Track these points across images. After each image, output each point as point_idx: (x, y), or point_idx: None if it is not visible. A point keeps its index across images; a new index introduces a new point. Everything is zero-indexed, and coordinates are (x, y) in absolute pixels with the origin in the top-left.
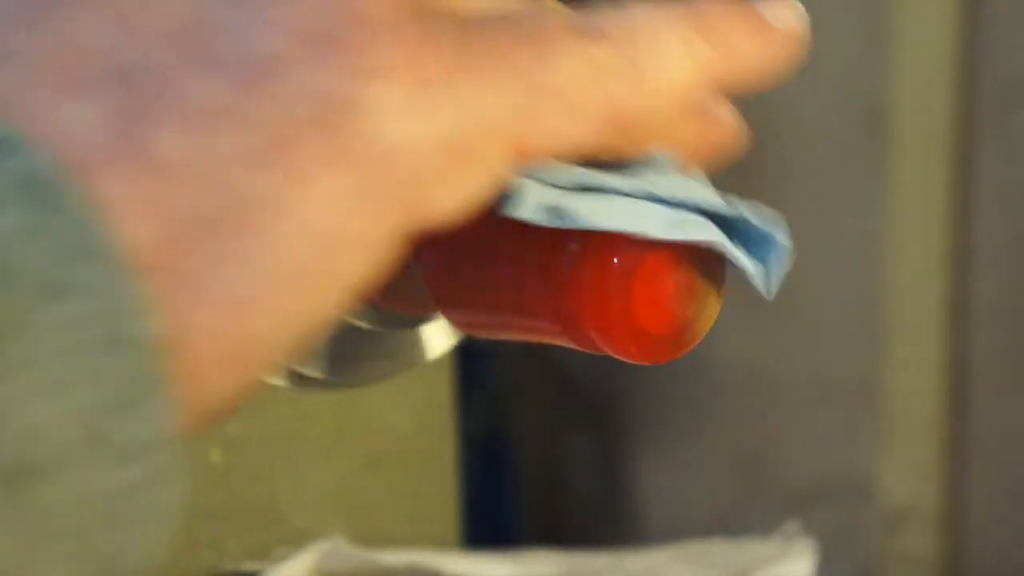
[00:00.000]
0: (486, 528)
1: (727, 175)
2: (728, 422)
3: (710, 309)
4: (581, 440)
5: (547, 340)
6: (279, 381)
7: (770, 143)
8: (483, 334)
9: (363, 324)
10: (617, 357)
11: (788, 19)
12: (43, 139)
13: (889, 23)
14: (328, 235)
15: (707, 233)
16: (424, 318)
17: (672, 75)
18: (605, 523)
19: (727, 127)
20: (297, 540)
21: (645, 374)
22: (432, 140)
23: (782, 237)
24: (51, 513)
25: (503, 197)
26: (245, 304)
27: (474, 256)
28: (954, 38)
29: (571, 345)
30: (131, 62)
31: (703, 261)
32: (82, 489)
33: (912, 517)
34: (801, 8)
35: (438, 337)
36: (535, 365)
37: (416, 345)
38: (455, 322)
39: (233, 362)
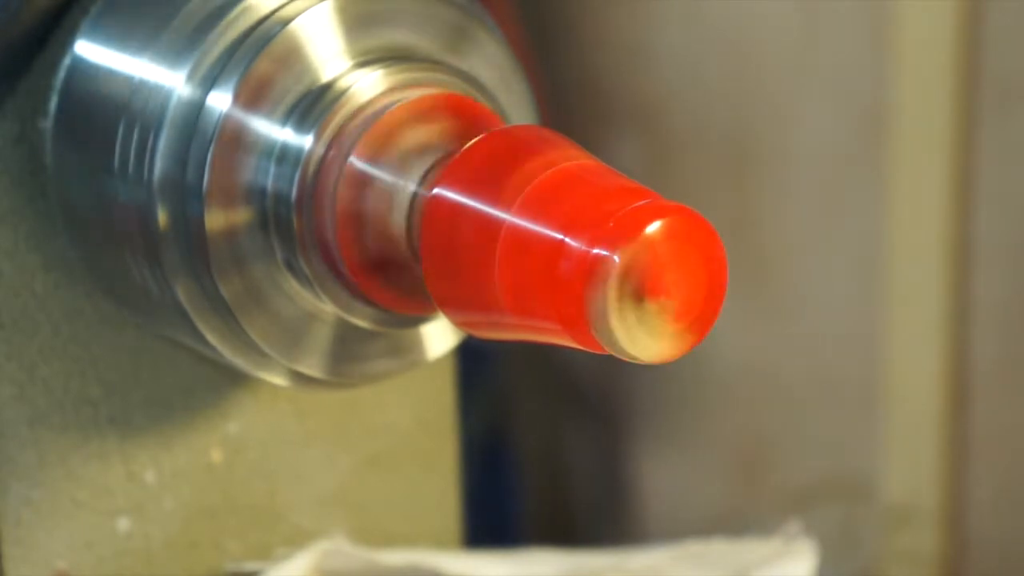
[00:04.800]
0: (486, 528)
1: (728, 175)
2: (728, 422)
3: (711, 309)
4: (581, 440)
5: (547, 340)
6: (279, 381)
7: (770, 144)
8: (483, 334)
9: (363, 324)
10: (618, 356)
11: None
12: None
13: (889, 23)
14: None
15: None
16: (424, 318)
17: None
18: (605, 523)
19: None
20: (297, 540)
21: (646, 374)
22: None
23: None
24: None
25: None
26: None
27: (474, 257)
28: (954, 38)
29: (571, 345)
30: None
31: (704, 261)
32: None
33: (912, 517)
34: None
35: (438, 337)
36: (535, 365)
37: (416, 345)
38: (455, 322)
39: None
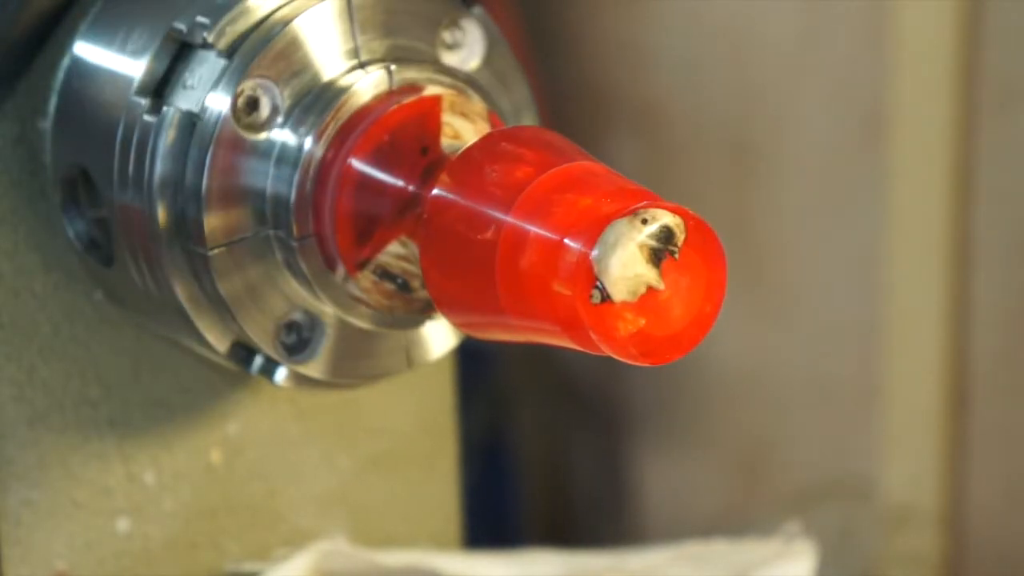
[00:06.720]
0: (486, 528)
1: (727, 175)
2: (728, 422)
3: (710, 311)
4: (581, 440)
5: (546, 341)
6: (279, 381)
7: (769, 144)
8: (483, 335)
9: (363, 325)
10: (617, 358)
11: None
12: None
13: (889, 24)
14: None
15: None
16: (424, 319)
17: None
18: (605, 523)
19: None
20: (297, 540)
21: (645, 374)
22: None
23: None
24: None
25: None
26: None
27: (474, 257)
28: (954, 38)
29: (569, 346)
30: None
31: (704, 263)
32: None
33: (912, 517)
34: None
35: (438, 337)
36: (535, 366)
37: (416, 345)
38: (455, 323)
39: None
